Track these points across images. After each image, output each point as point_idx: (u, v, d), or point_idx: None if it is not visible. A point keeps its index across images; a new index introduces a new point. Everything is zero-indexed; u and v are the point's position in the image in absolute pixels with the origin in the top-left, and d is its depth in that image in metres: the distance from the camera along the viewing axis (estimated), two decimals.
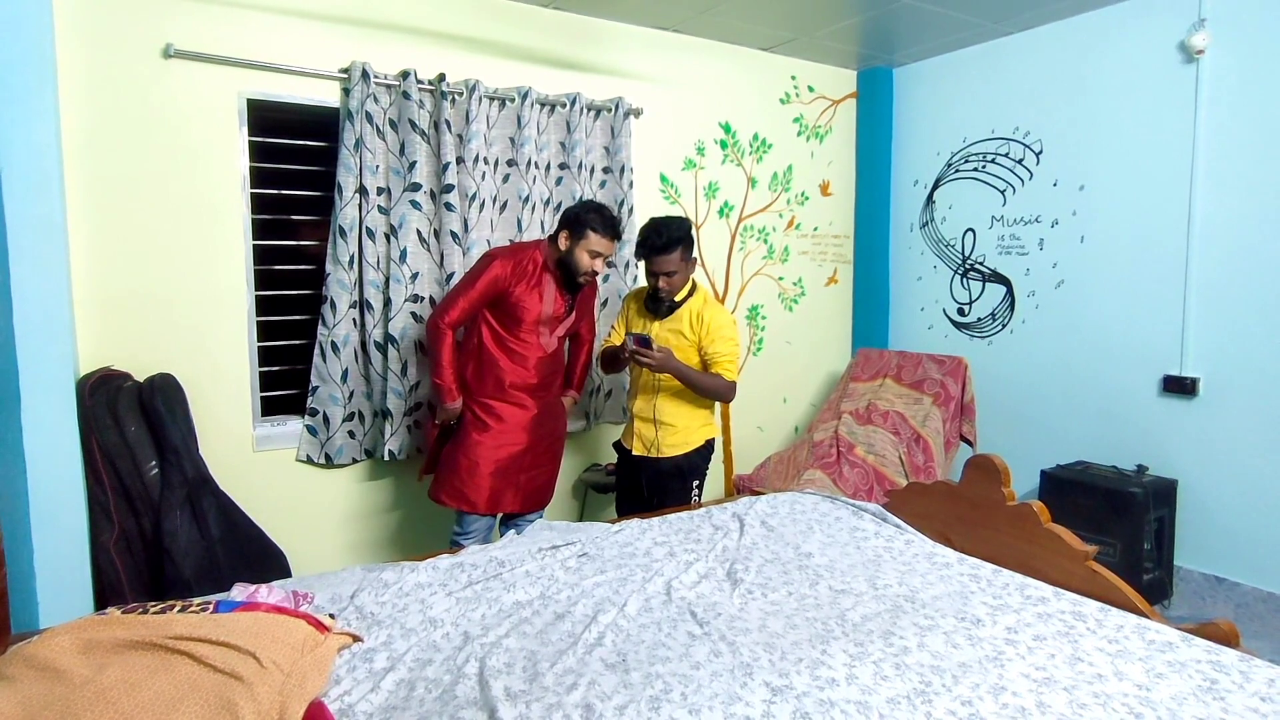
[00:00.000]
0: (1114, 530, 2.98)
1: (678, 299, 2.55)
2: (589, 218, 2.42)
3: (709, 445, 2.65)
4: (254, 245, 2.69)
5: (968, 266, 3.85)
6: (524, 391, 2.53)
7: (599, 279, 2.81)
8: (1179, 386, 3.07)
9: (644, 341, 2.41)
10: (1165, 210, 3.10)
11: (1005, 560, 1.90)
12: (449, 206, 2.85)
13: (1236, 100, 2.89)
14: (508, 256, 2.46)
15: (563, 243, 2.46)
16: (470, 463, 2.48)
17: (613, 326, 2.80)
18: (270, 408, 2.81)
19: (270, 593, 1.52)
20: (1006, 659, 1.42)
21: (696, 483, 2.65)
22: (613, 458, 3.03)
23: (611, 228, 2.46)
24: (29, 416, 1.75)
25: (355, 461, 2.89)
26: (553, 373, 2.61)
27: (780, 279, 4.00)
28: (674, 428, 2.57)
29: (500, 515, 2.62)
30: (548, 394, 2.61)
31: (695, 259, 2.57)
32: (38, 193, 1.85)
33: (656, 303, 2.56)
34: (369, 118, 2.73)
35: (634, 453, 2.64)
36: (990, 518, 1.98)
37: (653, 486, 2.61)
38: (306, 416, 2.78)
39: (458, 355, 2.52)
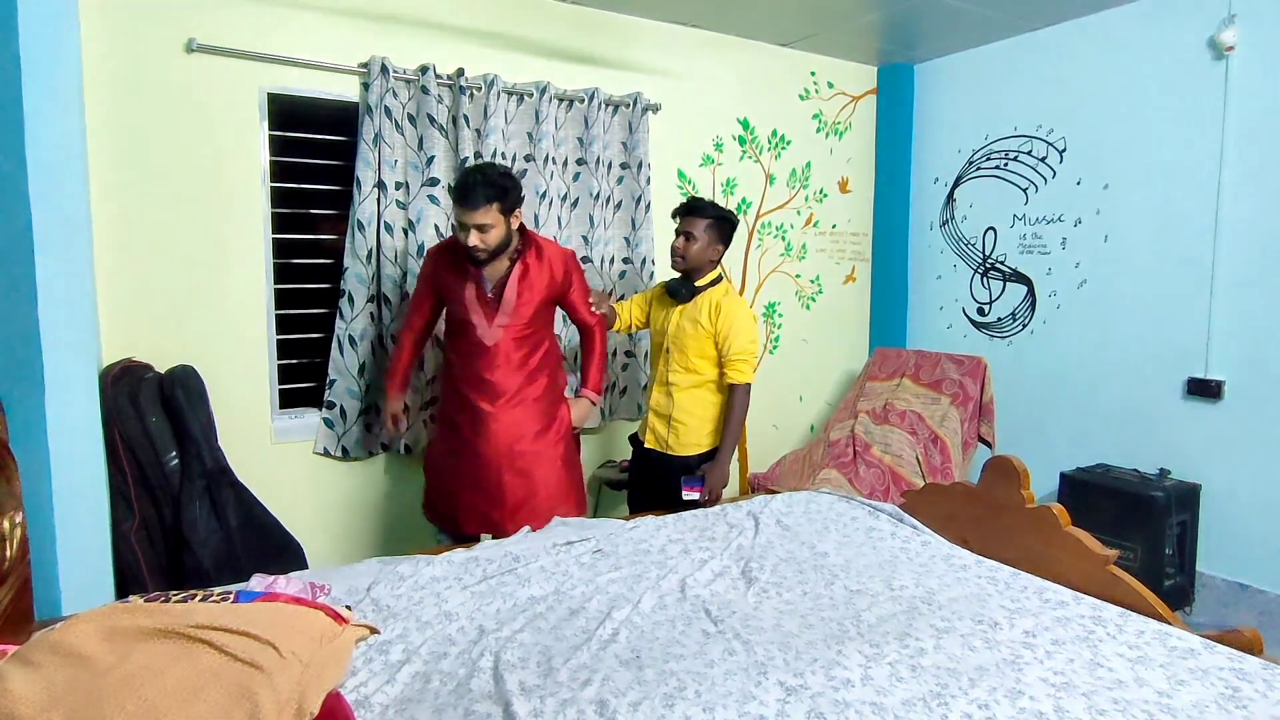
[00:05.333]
0: (1135, 535, 2.94)
1: (699, 284, 2.53)
2: (452, 187, 2.23)
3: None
4: (273, 239, 2.71)
5: (988, 265, 3.81)
6: (475, 392, 2.30)
7: (557, 248, 2.47)
8: (1203, 389, 3.03)
9: (694, 482, 2.46)
10: (1191, 210, 3.05)
11: (1023, 563, 1.88)
12: None
13: (1267, 98, 2.84)
14: (438, 248, 2.37)
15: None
16: (438, 480, 2.40)
17: (631, 300, 2.79)
18: (288, 400, 2.83)
19: (288, 584, 1.54)
20: (1024, 663, 1.40)
21: None
22: (628, 454, 3.02)
23: (461, 193, 2.16)
24: (53, 406, 1.77)
25: (371, 455, 2.91)
26: (513, 371, 2.31)
27: (798, 276, 3.98)
28: (687, 426, 2.55)
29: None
30: (514, 396, 2.31)
31: (721, 248, 2.55)
32: (63, 185, 1.87)
33: (679, 289, 2.55)
34: (388, 112, 2.74)
35: (646, 445, 2.62)
36: (1009, 520, 1.96)
37: (665, 483, 2.58)
38: (324, 410, 2.80)
39: (414, 356, 2.50)
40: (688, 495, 2.46)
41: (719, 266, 2.61)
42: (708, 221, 2.49)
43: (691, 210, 2.52)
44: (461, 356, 2.33)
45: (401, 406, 2.54)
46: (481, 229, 2.17)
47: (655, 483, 2.63)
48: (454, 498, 2.37)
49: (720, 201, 3.65)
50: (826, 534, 2.08)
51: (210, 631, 1.14)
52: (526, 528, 2.16)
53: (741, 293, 3.78)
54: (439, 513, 2.45)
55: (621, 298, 3.31)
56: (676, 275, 2.61)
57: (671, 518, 2.21)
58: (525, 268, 2.29)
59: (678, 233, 2.53)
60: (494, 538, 2.34)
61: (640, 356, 3.37)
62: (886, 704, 1.26)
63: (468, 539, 2.40)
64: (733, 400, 2.50)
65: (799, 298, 4.00)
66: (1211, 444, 3.03)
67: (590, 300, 2.52)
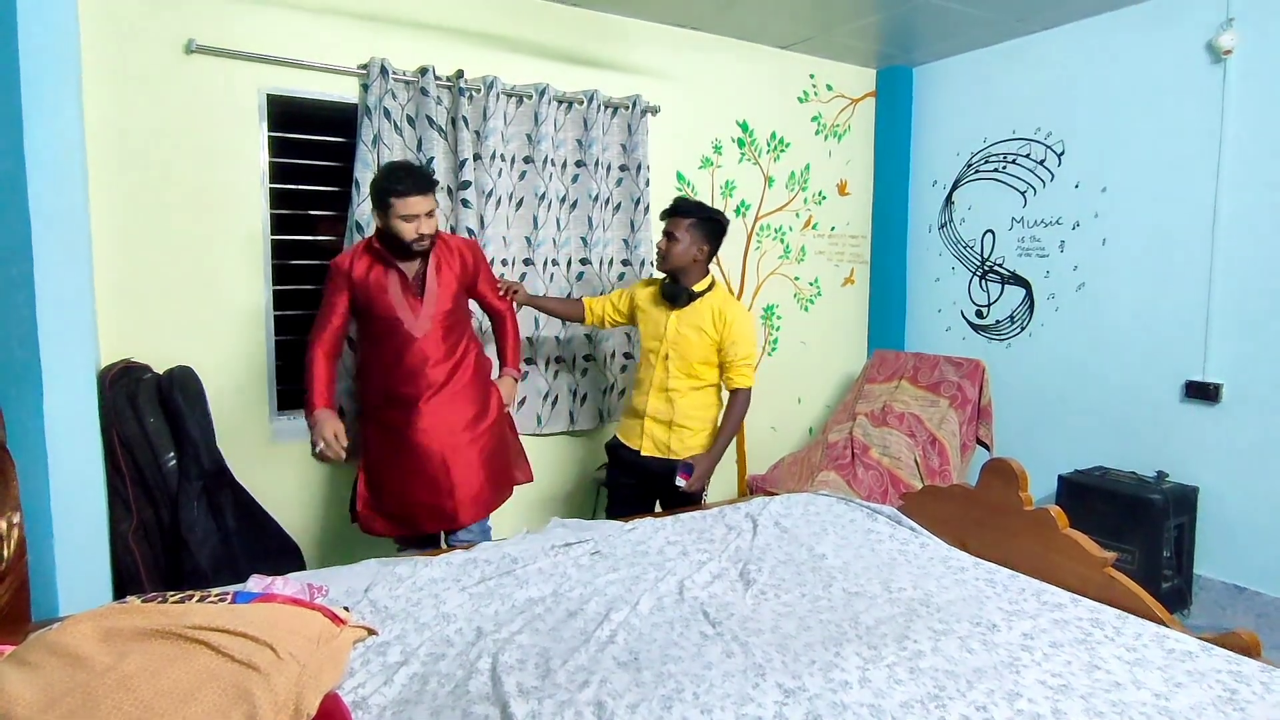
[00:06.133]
0: (1133, 537, 2.94)
1: (696, 289, 2.53)
2: (386, 186, 2.17)
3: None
4: (272, 240, 2.71)
5: (987, 268, 3.81)
6: (408, 387, 2.29)
7: (463, 240, 2.50)
8: (1201, 392, 3.03)
9: (687, 469, 2.46)
10: (1189, 213, 3.05)
11: (1021, 565, 1.88)
12: (465, 203, 2.86)
13: (1265, 102, 2.85)
14: (349, 257, 2.32)
15: (377, 221, 2.27)
16: (382, 483, 2.34)
17: (606, 295, 2.79)
18: (287, 402, 2.83)
19: (286, 585, 1.53)
20: (1022, 665, 1.40)
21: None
22: None
23: (411, 181, 2.17)
24: (51, 407, 1.77)
25: None
26: (443, 360, 2.32)
27: (796, 279, 3.98)
28: (690, 430, 2.55)
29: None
30: (446, 385, 2.33)
31: (707, 249, 2.53)
32: (61, 186, 1.87)
33: (676, 294, 2.53)
34: (387, 114, 2.74)
35: (643, 453, 2.60)
36: (1007, 522, 1.96)
37: (665, 487, 2.56)
38: None
39: (330, 368, 2.34)
40: (679, 481, 2.47)
41: (711, 271, 2.60)
42: (690, 221, 2.49)
43: (675, 211, 2.53)
44: (388, 356, 2.30)
45: (336, 420, 2.30)
46: (430, 215, 2.23)
47: (651, 487, 2.62)
48: (405, 497, 2.33)
49: (719, 204, 3.65)
50: (825, 536, 2.08)
51: (207, 632, 1.14)
52: (525, 529, 2.16)
53: (740, 295, 3.79)
54: (390, 514, 2.37)
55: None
56: (662, 277, 2.60)
57: (669, 519, 2.21)
58: (438, 258, 2.34)
59: (663, 233, 2.54)
60: (447, 533, 2.38)
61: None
62: (884, 706, 1.26)
63: (423, 539, 2.41)
64: (735, 403, 2.52)
65: (797, 300, 4.00)
66: (1209, 447, 3.03)
67: (499, 288, 2.55)
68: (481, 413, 2.41)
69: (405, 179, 2.17)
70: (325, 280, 2.35)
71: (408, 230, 2.20)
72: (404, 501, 2.34)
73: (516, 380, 2.60)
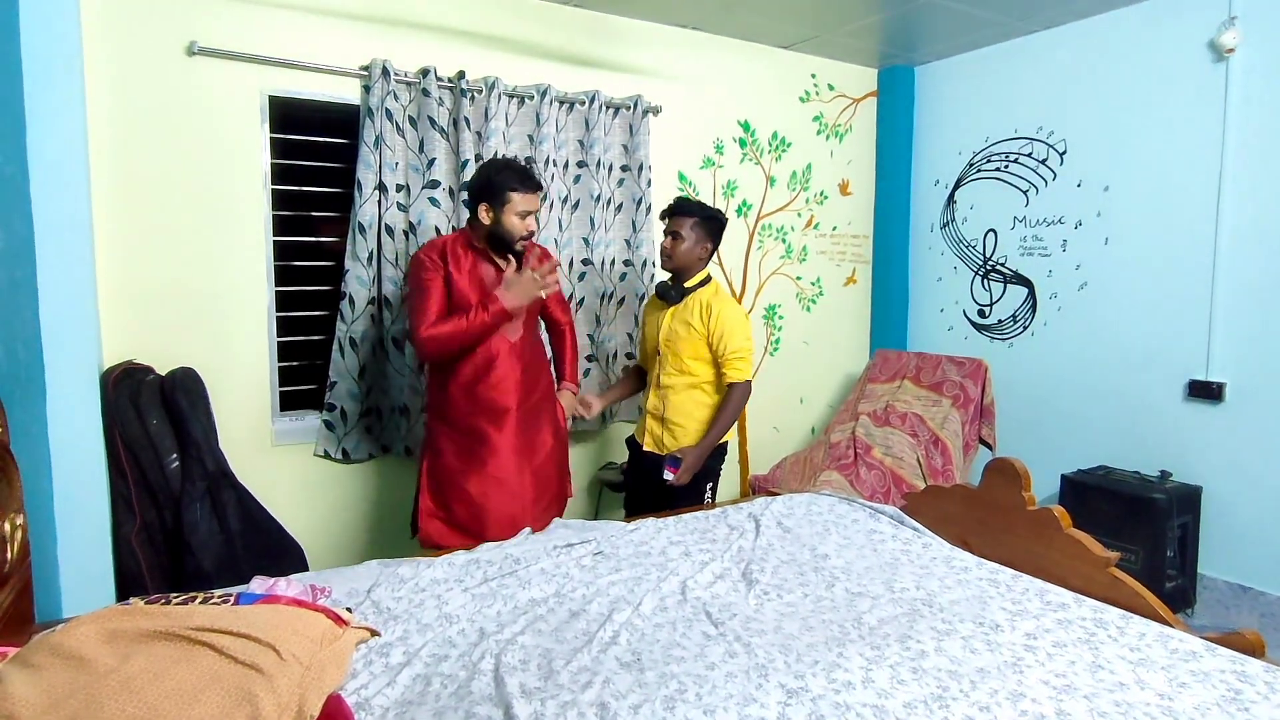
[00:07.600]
0: (1136, 537, 2.94)
1: (688, 285, 2.54)
2: (504, 178, 2.17)
3: (722, 447, 2.61)
4: (274, 241, 2.72)
5: (989, 268, 3.81)
6: (499, 393, 2.25)
7: (543, 248, 2.51)
8: (1204, 391, 3.02)
9: (674, 463, 2.46)
10: (1192, 212, 3.05)
11: (1024, 565, 1.88)
12: (467, 204, 2.86)
13: (1268, 100, 2.84)
14: (429, 247, 2.27)
15: (485, 216, 2.20)
16: (455, 492, 2.26)
17: (640, 328, 2.86)
18: (289, 403, 2.84)
19: (289, 586, 1.54)
20: (1025, 665, 1.40)
21: (710, 484, 2.62)
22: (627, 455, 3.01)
23: (530, 180, 2.21)
24: (54, 408, 1.77)
25: (372, 457, 2.91)
26: (528, 367, 2.32)
27: (798, 279, 3.98)
28: (684, 428, 2.54)
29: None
30: (532, 392, 2.32)
31: (709, 247, 2.56)
32: (65, 188, 1.88)
33: (667, 290, 2.57)
34: (389, 115, 2.74)
35: (645, 448, 2.61)
36: (1010, 522, 1.96)
37: (663, 486, 2.53)
38: (324, 412, 2.80)
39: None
40: (666, 475, 2.47)
41: (708, 267, 2.62)
42: (694, 220, 2.51)
43: (678, 210, 2.54)
44: (478, 360, 2.24)
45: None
46: (536, 215, 2.25)
47: (651, 484, 2.60)
48: (481, 507, 2.26)
49: (721, 204, 3.65)
50: (827, 536, 2.07)
51: (211, 634, 1.14)
52: (527, 529, 2.15)
53: (742, 295, 3.79)
54: (458, 524, 2.29)
55: (623, 300, 3.31)
56: (667, 277, 2.63)
57: (672, 520, 2.21)
58: (528, 264, 2.31)
59: (665, 233, 2.55)
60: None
61: None
62: (888, 706, 1.26)
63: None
64: (730, 397, 2.51)
65: (799, 300, 4.00)
66: (1213, 446, 3.02)
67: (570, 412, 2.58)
68: (555, 423, 2.44)
69: (525, 175, 2.20)
70: (414, 272, 2.24)
71: (520, 227, 2.20)
72: (479, 511, 2.25)
73: (575, 395, 2.61)
